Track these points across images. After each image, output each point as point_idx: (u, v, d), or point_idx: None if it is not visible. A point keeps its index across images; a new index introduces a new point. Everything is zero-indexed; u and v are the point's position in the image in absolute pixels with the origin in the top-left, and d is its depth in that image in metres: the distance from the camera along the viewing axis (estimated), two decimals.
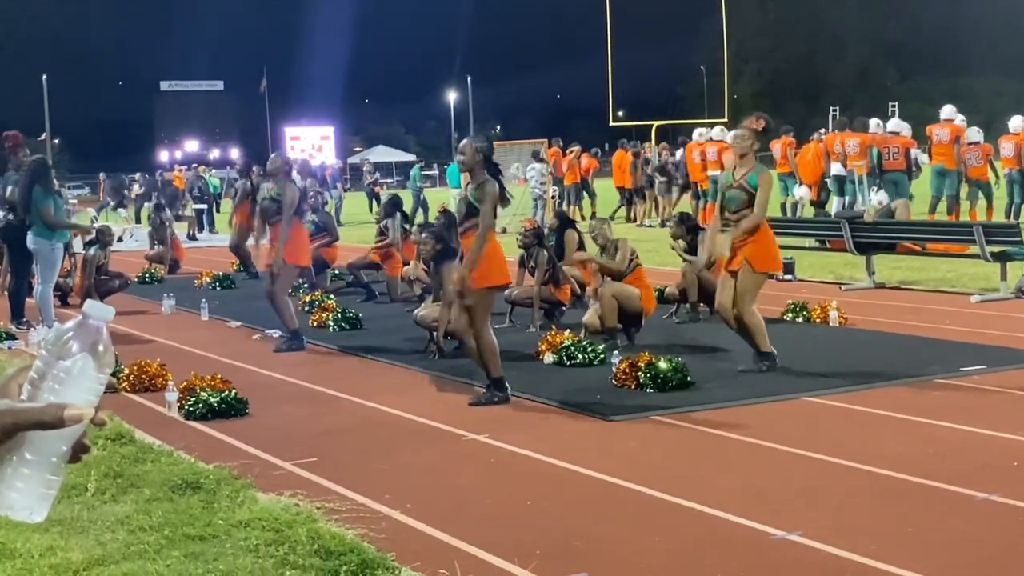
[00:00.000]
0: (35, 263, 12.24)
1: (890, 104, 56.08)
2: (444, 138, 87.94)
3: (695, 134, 26.33)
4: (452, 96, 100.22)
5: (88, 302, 1.37)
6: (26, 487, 1.33)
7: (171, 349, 11.00)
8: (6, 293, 13.45)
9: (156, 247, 20.20)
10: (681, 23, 75.09)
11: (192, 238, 27.65)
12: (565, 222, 12.70)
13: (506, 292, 11.96)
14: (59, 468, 1.35)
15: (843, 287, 13.84)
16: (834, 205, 21.04)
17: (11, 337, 11.51)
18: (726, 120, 43.40)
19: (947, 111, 21.63)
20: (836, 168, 21.96)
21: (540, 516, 5.42)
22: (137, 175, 39.63)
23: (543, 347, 9.48)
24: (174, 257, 19.61)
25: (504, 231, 23.91)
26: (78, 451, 1.37)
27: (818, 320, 10.91)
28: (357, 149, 74.24)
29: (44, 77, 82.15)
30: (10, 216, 13.29)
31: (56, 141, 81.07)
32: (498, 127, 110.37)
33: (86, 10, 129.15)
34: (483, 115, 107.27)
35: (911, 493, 5.57)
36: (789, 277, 14.55)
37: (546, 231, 12.51)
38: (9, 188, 13.44)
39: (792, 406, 7.64)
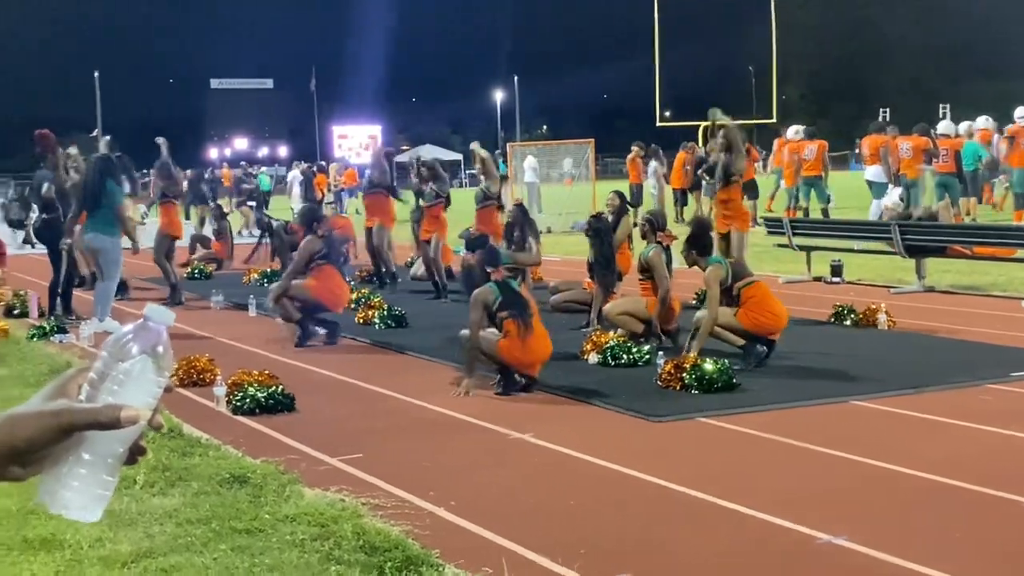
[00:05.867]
0: (98, 260, 12.37)
1: (940, 106, 55.41)
2: (491, 137, 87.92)
3: None
4: (499, 95, 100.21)
5: (148, 305, 1.37)
6: (82, 486, 1.34)
7: (219, 344, 11.11)
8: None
9: (201, 247, 20.33)
10: (729, 23, 74.70)
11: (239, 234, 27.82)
12: (624, 207, 12.26)
13: (553, 297, 12.03)
14: (115, 469, 1.36)
15: (892, 290, 13.72)
16: (871, 209, 20.74)
17: (63, 331, 11.65)
18: (774, 120, 43.20)
19: (980, 121, 21.80)
20: (871, 172, 21.80)
21: (584, 516, 5.43)
22: (189, 172, 39.90)
23: (588, 347, 9.46)
24: (220, 256, 19.71)
25: (548, 231, 23.92)
26: (134, 453, 1.38)
27: (866, 324, 10.81)
28: (404, 148, 74.35)
29: (96, 74, 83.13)
30: (44, 215, 13.47)
31: (107, 138, 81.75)
32: (545, 126, 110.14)
33: (137, 8, 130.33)
34: (530, 114, 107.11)
35: (958, 498, 5.52)
36: (837, 280, 14.46)
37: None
38: (45, 186, 13.62)
39: (839, 409, 7.58)
